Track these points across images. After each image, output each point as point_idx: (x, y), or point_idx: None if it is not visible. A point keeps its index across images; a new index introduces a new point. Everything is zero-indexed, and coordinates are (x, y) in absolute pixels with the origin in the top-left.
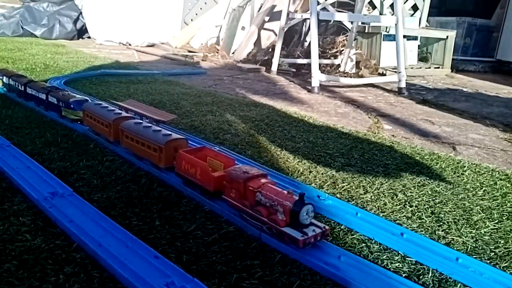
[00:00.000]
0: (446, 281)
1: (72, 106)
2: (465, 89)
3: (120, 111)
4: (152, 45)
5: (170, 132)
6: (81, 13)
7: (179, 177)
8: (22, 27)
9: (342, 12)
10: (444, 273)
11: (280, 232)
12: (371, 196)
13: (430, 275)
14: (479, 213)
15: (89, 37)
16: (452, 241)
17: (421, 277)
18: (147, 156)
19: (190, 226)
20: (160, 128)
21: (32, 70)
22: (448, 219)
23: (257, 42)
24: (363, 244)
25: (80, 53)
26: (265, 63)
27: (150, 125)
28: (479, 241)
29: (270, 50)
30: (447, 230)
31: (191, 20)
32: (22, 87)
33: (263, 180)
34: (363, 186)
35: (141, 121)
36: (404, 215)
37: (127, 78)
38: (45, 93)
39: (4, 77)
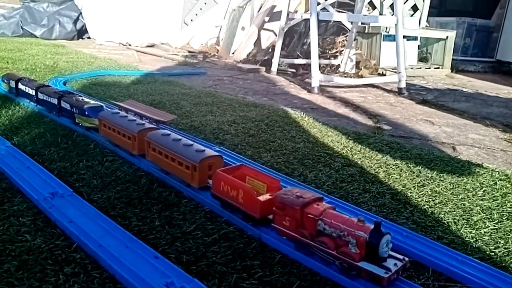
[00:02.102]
0: (447, 281)
1: (87, 113)
2: (465, 90)
3: (143, 122)
4: (152, 46)
5: (203, 148)
6: (81, 13)
7: (216, 199)
8: (22, 28)
9: (342, 12)
10: (444, 273)
11: (354, 267)
12: (371, 196)
13: (429, 274)
14: (479, 213)
15: (89, 38)
16: (452, 241)
17: (421, 277)
18: (177, 173)
19: (190, 226)
20: (191, 142)
21: (32, 71)
22: (448, 219)
23: (257, 42)
24: None
25: (80, 53)
26: (265, 63)
27: (180, 137)
28: (479, 241)
29: (270, 50)
30: (447, 230)
31: (191, 20)
32: (33, 91)
33: (323, 206)
34: (363, 186)
35: (169, 133)
36: (404, 215)
37: (127, 78)
38: (58, 98)
39: (11, 81)
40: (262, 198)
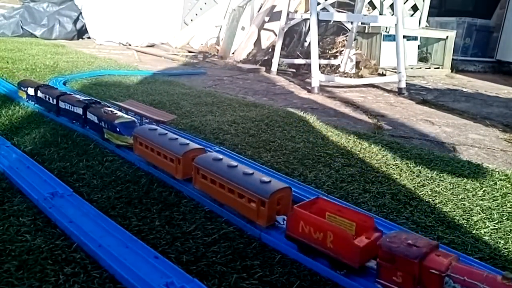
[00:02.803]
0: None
1: (118, 130)
2: (465, 90)
3: (186, 141)
4: (152, 46)
5: (269, 179)
6: (81, 13)
7: (293, 242)
8: (22, 27)
9: (342, 12)
10: None
11: None
12: (371, 196)
13: None
14: (479, 213)
15: (89, 38)
16: (452, 241)
17: None
18: (239, 207)
19: (190, 226)
20: (252, 170)
21: (32, 71)
22: (448, 219)
23: (257, 42)
24: None
25: (80, 53)
26: (265, 63)
27: (236, 164)
28: (479, 241)
29: (270, 50)
30: (447, 230)
31: (191, 20)
32: (54, 100)
33: (445, 256)
34: (363, 186)
35: (221, 157)
36: (404, 215)
37: (127, 78)
38: (83, 108)
39: (29, 88)
40: (360, 242)
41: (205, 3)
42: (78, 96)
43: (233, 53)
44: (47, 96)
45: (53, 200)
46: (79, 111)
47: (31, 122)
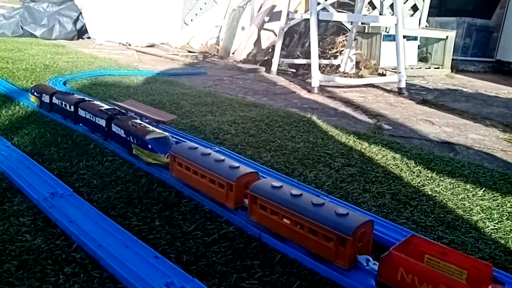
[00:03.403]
0: None
1: (150, 147)
2: (465, 89)
3: (236, 164)
4: (152, 46)
5: (346, 210)
6: (81, 13)
7: None
8: (22, 27)
9: (342, 12)
10: None
11: None
12: (371, 196)
13: None
14: (479, 213)
15: (89, 38)
16: (452, 241)
17: None
18: (313, 248)
19: (190, 226)
20: (322, 200)
21: (32, 71)
22: (448, 219)
23: (257, 42)
24: None
25: (80, 53)
26: (265, 63)
27: (300, 192)
28: (479, 241)
29: (270, 50)
30: (447, 230)
31: (191, 20)
32: (71, 107)
33: None
34: (363, 186)
35: (281, 184)
36: (404, 215)
37: (127, 78)
38: (107, 119)
39: (44, 95)
40: None
41: (205, 3)
42: (99, 104)
43: (233, 53)
44: (63, 103)
45: (53, 200)
46: (102, 122)
47: (31, 122)
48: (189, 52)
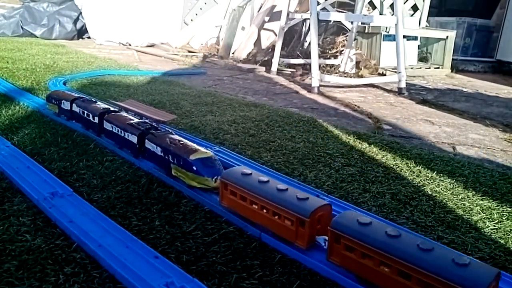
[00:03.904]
0: None
1: (196, 169)
2: (465, 89)
3: (305, 195)
4: (152, 45)
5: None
6: (81, 13)
7: None
8: (22, 27)
9: (342, 12)
10: None
11: None
12: (371, 196)
13: None
14: (479, 213)
15: (89, 37)
16: (452, 241)
17: None
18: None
19: (190, 226)
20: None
21: (32, 70)
22: (448, 219)
23: (257, 42)
24: None
25: (80, 53)
26: (265, 63)
27: (398, 233)
28: (479, 241)
29: (270, 50)
30: (447, 230)
31: (191, 20)
32: (96, 118)
33: None
34: (363, 185)
35: (369, 220)
36: (404, 215)
37: (127, 78)
38: (139, 135)
39: (64, 102)
40: None
41: (205, 3)
42: (128, 116)
43: (233, 53)
44: (86, 113)
45: (53, 200)
46: (132, 138)
47: (31, 122)
48: (189, 52)
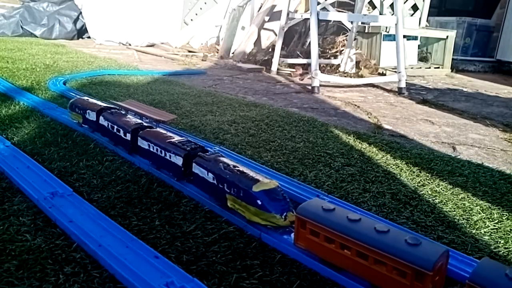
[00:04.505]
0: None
1: (260, 203)
2: (465, 89)
3: (417, 240)
4: (152, 45)
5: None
6: (81, 13)
7: None
8: (22, 27)
9: (342, 12)
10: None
11: None
12: (371, 196)
13: None
14: (479, 213)
15: (89, 37)
16: (452, 241)
17: None
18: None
19: (190, 226)
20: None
21: (32, 70)
22: (448, 219)
23: (257, 42)
24: None
25: (80, 53)
26: (265, 63)
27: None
28: (479, 241)
29: (270, 50)
30: (447, 230)
31: (191, 20)
32: (128, 135)
33: None
34: (363, 185)
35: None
36: (404, 215)
37: (127, 78)
38: (184, 156)
39: (89, 112)
40: None
41: (205, 3)
42: (166, 133)
43: (233, 53)
44: (116, 128)
45: (53, 200)
46: (177, 160)
47: (31, 122)
48: (189, 51)
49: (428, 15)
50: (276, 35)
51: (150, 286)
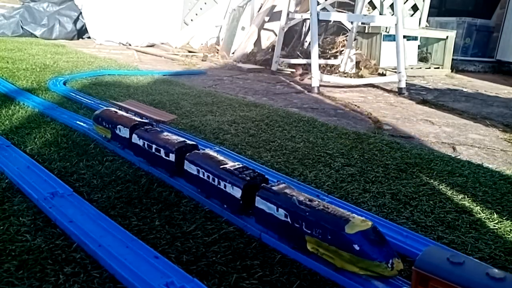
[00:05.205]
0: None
1: (359, 248)
2: (465, 89)
3: None
4: (152, 45)
5: None
6: (81, 13)
7: None
8: (22, 27)
9: (342, 12)
10: None
11: None
12: (371, 196)
13: None
14: (479, 213)
15: (89, 37)
16: (452, 241)
17: None
18: None
19: (190, 226)
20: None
21: (32, 71)
22: (448, 219)
23: (257, 42)
24: None
25: (80, 53)
26: (265, 63)
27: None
28: (479, 241)
29: (270, 50)
30: (447, 230)
31: (191, 20)
32: (172, 155)
33: None
34: (363, 185)
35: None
36: (404, 215)
37: (127, 78)
38: (244, 187)
39: (121, 128)
40: None
41: (205, 3)
42: (218, 156)
43: (233, 53)
44: (155, 147)
45: (53, 200)
46: (234, 192)
47: (31, 122)
48: (189, 52)
49: (428, 16)
50: (276, 35)
51: (150, 286)
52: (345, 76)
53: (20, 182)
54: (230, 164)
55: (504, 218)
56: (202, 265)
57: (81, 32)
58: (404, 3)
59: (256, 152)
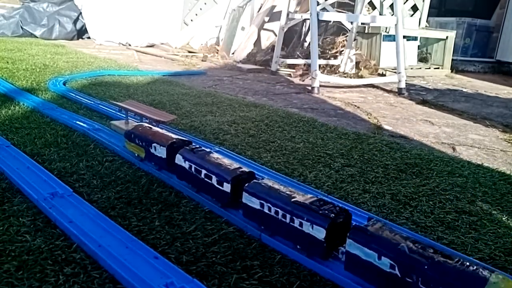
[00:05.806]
0: None
1: None
2: (464, 90)
3: None
4: (152, 46)
5: None
6: (81, 13)
7: None
8: (21, 27)
9: (342, 12)
10: None
11: None
12: (370, 197)
13: None
14: (479, 214)
15: (89, 38)
16: (452, 242)
17: None
18: None
19: (189, 227)
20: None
21: (32, 71)
22: (448, 219)
23: (257, 42)
24: None
25: (79, 53)
26: (265, 64)
27: None
28: (479, 241)
29: (270, 50)
30: (447, 230)
31: (191, 20)
32: (227, 185)
33: None
34: (362, 186)
35: None
36: (404, 216)
37: (127, 78)
38: (328, 225)
39: (157, 147)
40: None
41: (205, 3)
42: (283, 188)
43: (233, 53)
44: (204, 173)
45: (53, 200)
46: (318, 233)
47: (30, 122)
48: (189, 52)
49: (428, 16)
50: (276, 35)
51: (150, 286)
52: (345, 77)
53: (20, 182)
54: (302, 197)
55: (504, 218)
56: (202, 266)
57: (81, 32)
58: (404, 3)
59: (256, 153)
